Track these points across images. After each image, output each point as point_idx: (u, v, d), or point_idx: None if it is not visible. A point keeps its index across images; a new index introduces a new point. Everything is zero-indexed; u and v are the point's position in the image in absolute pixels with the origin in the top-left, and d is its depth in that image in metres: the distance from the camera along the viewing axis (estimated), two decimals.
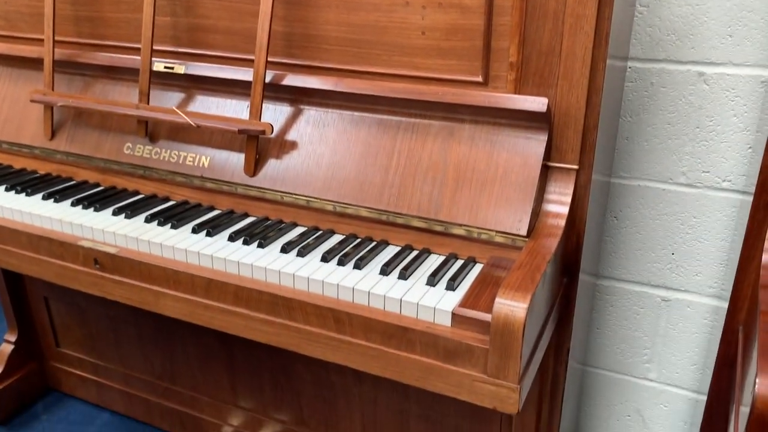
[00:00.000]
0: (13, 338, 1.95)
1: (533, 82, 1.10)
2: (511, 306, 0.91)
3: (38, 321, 1.97)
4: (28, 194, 1.39)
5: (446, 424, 1.46)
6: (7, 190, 1.41)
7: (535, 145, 1.09)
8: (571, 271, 1.21)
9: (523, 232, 1.08)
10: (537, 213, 1.11)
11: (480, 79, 1.13)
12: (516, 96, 1.08)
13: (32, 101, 1.44)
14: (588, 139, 1.11)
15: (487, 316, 0.95)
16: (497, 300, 0.92)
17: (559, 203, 1.11)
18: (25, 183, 1.44)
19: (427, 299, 1.01)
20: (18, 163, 1.56)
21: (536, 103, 1.06)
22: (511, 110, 1.08)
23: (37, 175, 1.51)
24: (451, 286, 1.04)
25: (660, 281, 1.60)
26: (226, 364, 1.69)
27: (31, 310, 1.96)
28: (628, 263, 1.62)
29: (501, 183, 1.11)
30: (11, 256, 1.31)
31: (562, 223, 1.09)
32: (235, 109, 1.33)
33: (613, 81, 1.26)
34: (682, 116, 1.44)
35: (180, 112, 1.29)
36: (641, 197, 1.55)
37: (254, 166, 1.28)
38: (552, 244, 1.06)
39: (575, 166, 1.11)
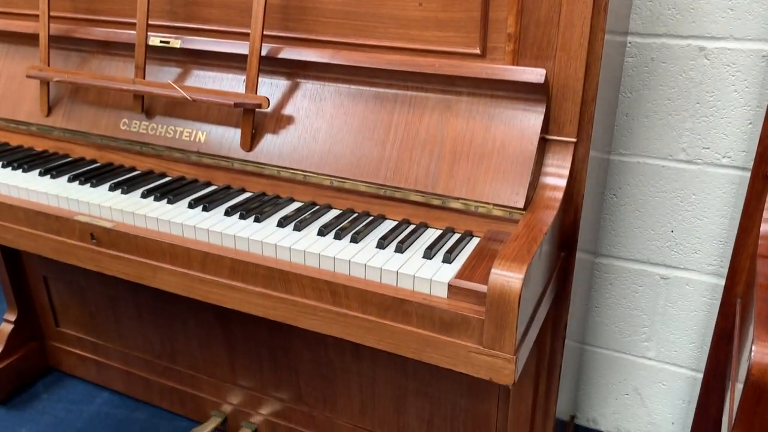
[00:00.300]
0: (12, 318, 1.95)
1: (531, 54, 1.09)
2: (507, 276, 0.91)
3: (38, 300, 1.98)
4: (24, 170, 1.39)
5: (444, 400, 1.46)
6: (3, 166, 1.41)
7: (532, 117, 1.09)
8: (568, 245, 1.20)
9: (520, 204, 1.07)
10: (534, 186, 1.10)
11: (478, 50, 1.12)
12: (514, 67, 1.07)
13: (28, 77, 1.44)
14: (586, 112, 1.10)
15: (483, 287, 0.95)
16: (493, 271, 0.91)
17: (556, 176, 1.10)
18: (21, 159, 1.43)
19: (423, 271, 1.01)
20: (15, 140, 1.55)
21: (534, 74, 1.05)
22: (509, 81, 1.07)
23: (34, 152, 1.50)
24: (448, 258, 1.04)
25: (659, 259, 1.59)
26: (225, 343, 1.70)
27: (31, 289, 1.97)
28: (627, 241, 1.62)
29: (498, 156, 1.10)
30: (8, 232, 1.31)
31: (560, 195, 1.08)
32: (232, 83, 1.32)
33: (613, 56, 1.25)
34: (682, 92, 1.43)
35: (176, 86, 1.29)
36: (641, 174, 1.54)
37: (251, 141, 1.27)
38: (549, 216, 1.05)
39: (573, 139, 1.10)
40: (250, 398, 1.73)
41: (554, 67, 1.08)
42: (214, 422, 1.75)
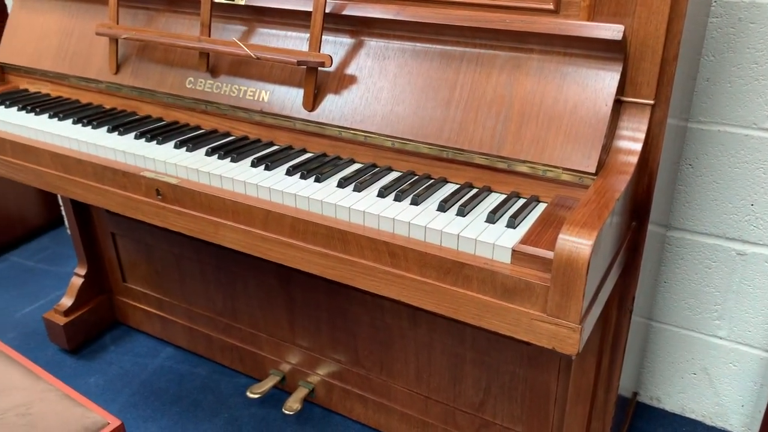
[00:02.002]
0: (83, 272, 2.03)
1: (608, 10, 1.03)
2: (576, 243, 0.86)
3: (106, 256, 2.04)
4: (93, 127, 1.41)
5: (502, 370, 1.44)
6: (74, 122, 1.44)
7: (608, 77, 1.03)
8: (640, 215, 1.14)
9: (592, 169, 1.02)
10: (607, 150, 1.05)
11: (551, 6, 1.06)
12: (589, 23, 1.01)
13: (97, 34, 1.46)
14: (666, 73, 1.03)
15: (549, 254, 0.91)
16: (561, 236, 0.87)
17: (631, 140, 1.04)
18: (91, 116, 1.46)
19: (486, 236, 0.97)
20: (85, 97, 1.59)
21: (611, 31, 0.99)
22: (584, 38, 1.01)
23: (103, 109, 1.53)
24: (512, 223, 1.01)
25: (736, 234, 1.51)
26: (286, 304, 1.71)
27: (100, 245, 2.03)
28: (702, 214, 1.53)
29: (570, 118, 1.05)
30: (77, 186, 1.35)
31: (634, 160, 1.03)
32: (295, 42, 1.30)
33: (697, 15, 1.17)
34: None
35: (240, 44, 1.28)
36: (720, 144, 1.45)
37: (313, 100, 1.25)
38: (622, 182, 1.00)
39: (651, 101, 1.04)
40: (308, 358, 1.75)
41: (633, 24, 1.02)
42: (272, 380, 1.78)
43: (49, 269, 2.50)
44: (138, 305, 2.06)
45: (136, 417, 1.76)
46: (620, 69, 1.02)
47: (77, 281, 2.03)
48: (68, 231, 2.65)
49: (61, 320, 1.97)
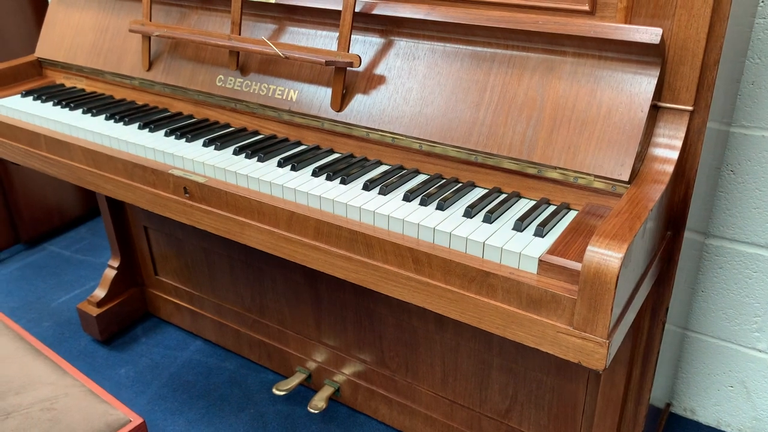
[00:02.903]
0: (116, 264, 2.06)
1: (647, 12, 0.99)
2: (605, 255, 0.83)
3: (139, 249, 2.07)
4: (125, 123, 1.43)
5: (529, 377, 1.41)
6: (107, 119, 1.46)
7: (644, 82, 0.99)
8: (676, 224, 1.10)
9: (625, 177, 0.99)
10: (642, 158, 1.01)
11: (586, 7, 1.02)
12: (626, 26, 0.97)
13: (131, 31, 1.47)
14: (706, 78, 0.99)
15: (576, 265, 0.88)
16: (589, 248, 0.84)
17: (668, 148, 1.00)
18: (123, 113, 1.48)
19: (512, 244, 0.95)
20: (118, 93, 1.60)
21: (648, 34, 0.95)
22: (620, 42, 0.98)
23: (136, 105, 1.54)
24: (540, 232, 0.98)
25: None
26: (313, 303, 1.71)
27: (133, 238, 2.06)
28: (743, 222, 1.47)
29: (603, 123, 1.01)
30: (108, 182, 1.36)
31: (670, 169, 0.99)
32: (325, 41, 1.29)
33: (741, 15, 1.12)
34: None
35: (269, 43, 1.27)
36: (764, 150, 1.39)
37: (341, 100, 1.24)
38: (656, 192, 0.96)
39: (689, 108, 1.00)
40: (334, 357, 1.74)
41: (672, 27, 0.97)
42: (298, 378, 1.78)
43: (86, 259, 2.54)
44: (169, 298, 2.08)
45: (164, 409, 1.78)
46: (657, 73, 0.98)
47: (110, 273, 2.06)
48: None
49: (94, 311, 2.00)
